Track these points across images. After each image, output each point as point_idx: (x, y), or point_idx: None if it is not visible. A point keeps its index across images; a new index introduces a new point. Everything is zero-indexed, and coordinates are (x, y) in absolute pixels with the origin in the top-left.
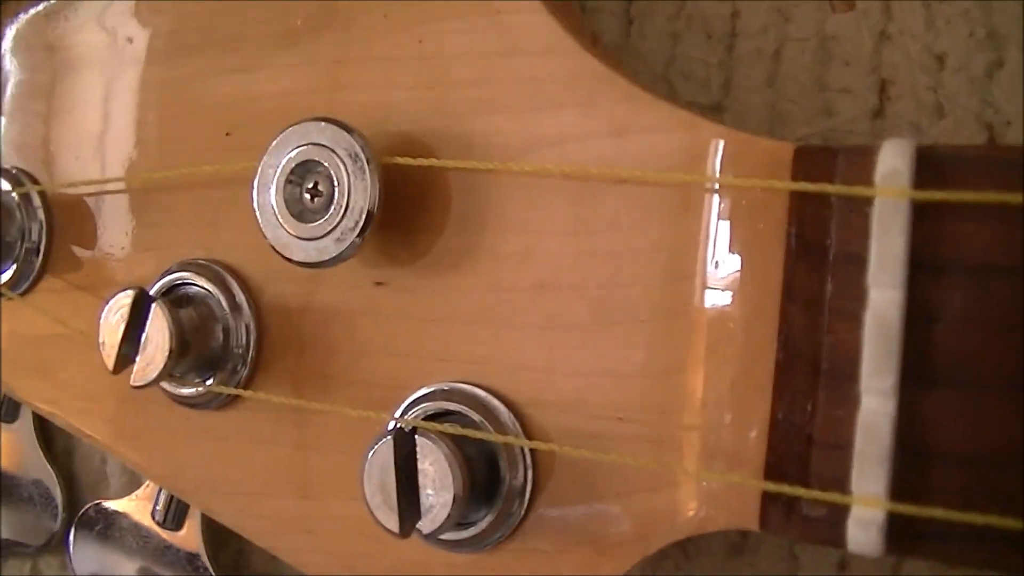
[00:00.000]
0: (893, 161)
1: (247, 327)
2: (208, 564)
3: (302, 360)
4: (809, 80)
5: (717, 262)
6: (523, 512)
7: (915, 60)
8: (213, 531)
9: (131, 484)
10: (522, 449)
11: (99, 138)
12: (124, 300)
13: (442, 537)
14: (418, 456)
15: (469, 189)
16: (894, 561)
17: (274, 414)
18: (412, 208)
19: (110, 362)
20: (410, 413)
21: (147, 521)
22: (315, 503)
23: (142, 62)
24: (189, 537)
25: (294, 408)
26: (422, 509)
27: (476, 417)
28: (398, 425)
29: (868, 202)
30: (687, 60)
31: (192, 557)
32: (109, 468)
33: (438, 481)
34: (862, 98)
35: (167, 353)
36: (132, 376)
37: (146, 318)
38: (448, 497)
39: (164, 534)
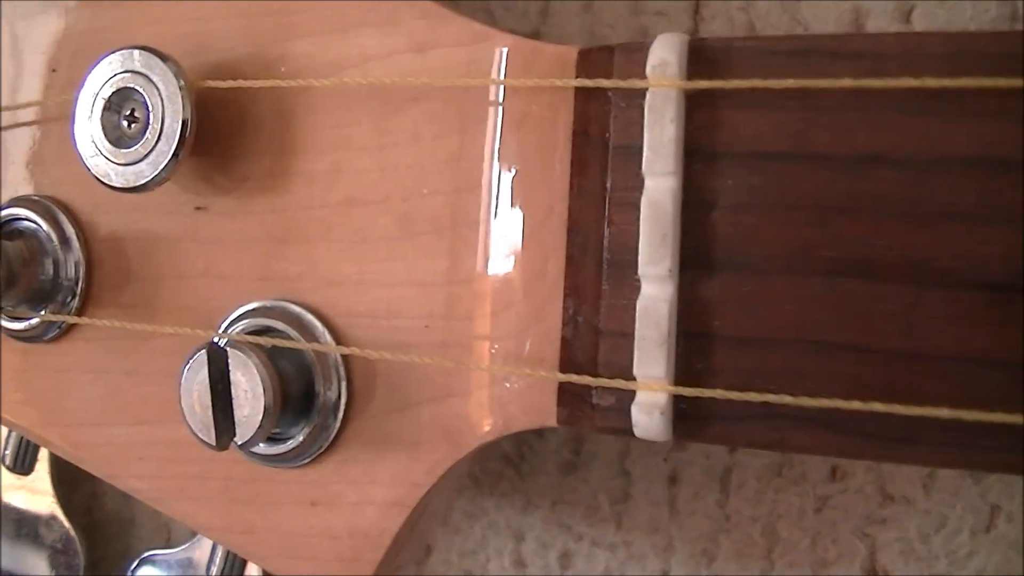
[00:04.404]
0: (662, 53)
1: (76, 259)
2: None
3: (130, 288)
4: (625, 5)
5: (512, 168)
6: (339, 424)
7: None
8: (63, 474)
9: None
10: (336, 362)
11: None
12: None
13: (263, 452)
14: (230, 369)
15: (281, 113)
16: (722, 473)
17: (105, 343)
18: (229, 134)
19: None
20: (230, 331)
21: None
22: (146, 428)
23: None
24: (40, 488)
25: (124, 336)
26: (235, 421)
27: (292, 332)
28: (212, 340)
29: (641, 94)
30: None
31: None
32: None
33: (250, 392)
34: (677, 20)
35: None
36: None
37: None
38: (259, 407)
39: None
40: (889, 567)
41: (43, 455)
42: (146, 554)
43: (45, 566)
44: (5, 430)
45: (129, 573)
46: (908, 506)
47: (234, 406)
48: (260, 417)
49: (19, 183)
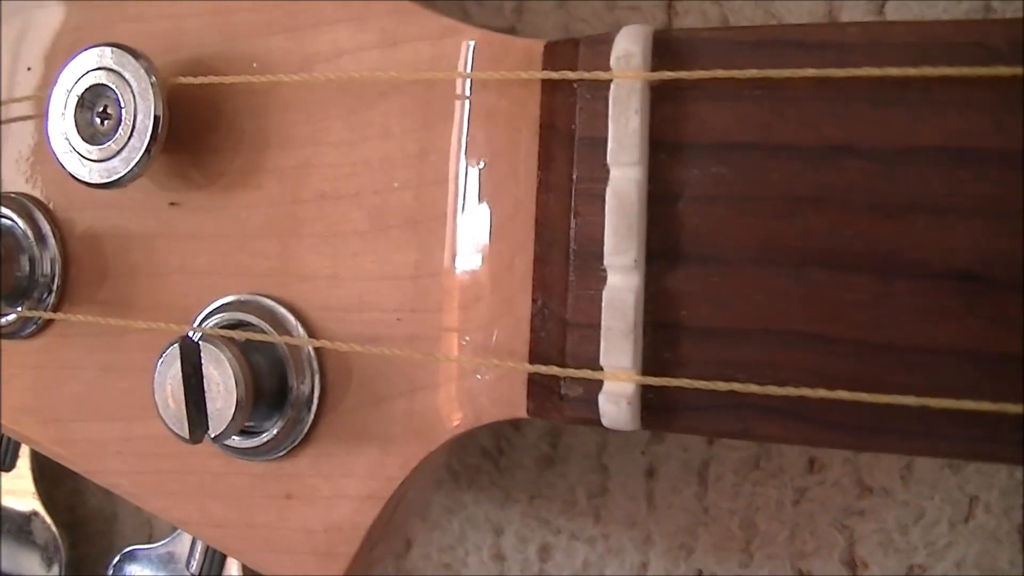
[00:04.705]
0: (627, 45)
1: (52, 256)
2: (44, 514)
3: (105, 284)
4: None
5: (480, 161)
6: (312, 417)
7: None
8: (45, 470)
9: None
10: (309, 356)
11: None
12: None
13: (237, 445)
14: (203, 362)
15: (254, 109)
16: (699, 466)
17: (82, 339)
18: (202, 130)
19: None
20: (203, 326)
21: None
22: (123, 424)
23: None
24: (21, 485)
25: (101, 332)
26: (208, 414)
27: (265, 326)
28: (185, 334)
29: (605, 86)
30: None
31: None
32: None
33: (222, 386)
34: (650, 13)
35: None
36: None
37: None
38: (232, 401)
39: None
40: (868, 558)
41: (24, 451)
42: (127, 549)
43: (28, 562)
44: None
45: (111, 568)
46: (886, 497)
47: (207, 400)
48: (232, 410)
49: (12, 184)
